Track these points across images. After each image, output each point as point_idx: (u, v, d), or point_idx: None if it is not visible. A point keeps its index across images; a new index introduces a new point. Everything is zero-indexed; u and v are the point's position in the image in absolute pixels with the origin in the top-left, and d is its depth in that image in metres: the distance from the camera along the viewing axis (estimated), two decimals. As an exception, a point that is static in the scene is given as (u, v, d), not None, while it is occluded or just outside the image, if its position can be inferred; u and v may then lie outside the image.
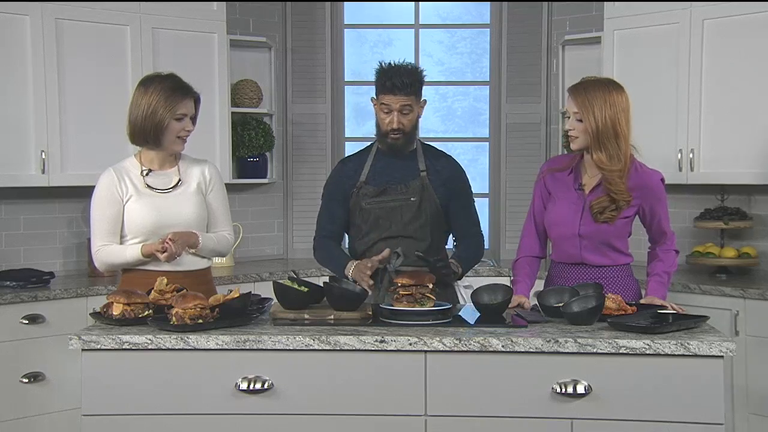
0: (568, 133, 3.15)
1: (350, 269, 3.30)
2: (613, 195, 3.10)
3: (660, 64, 4.62)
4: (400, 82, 3.25)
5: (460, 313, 2.95)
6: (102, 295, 4.14)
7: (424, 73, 3.36)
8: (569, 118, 3.15)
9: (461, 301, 3.45)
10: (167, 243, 3.07)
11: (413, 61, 3.41)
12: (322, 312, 2.92)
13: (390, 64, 3.32)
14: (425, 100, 3.40)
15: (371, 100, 3.40)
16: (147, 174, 3.22)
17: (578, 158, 3.24)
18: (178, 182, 3.25)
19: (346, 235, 3.55)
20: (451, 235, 3.52)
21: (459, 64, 5.89)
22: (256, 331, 2.74)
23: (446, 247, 3.51)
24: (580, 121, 3.09)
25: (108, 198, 3.18)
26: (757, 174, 4.36)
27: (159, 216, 3.17)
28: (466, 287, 3.47)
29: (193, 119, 3.23)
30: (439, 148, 3.53)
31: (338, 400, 2.70)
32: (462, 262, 3.39)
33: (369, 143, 3.53)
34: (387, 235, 3.35)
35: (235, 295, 2.84)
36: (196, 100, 3.23)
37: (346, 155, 3.57)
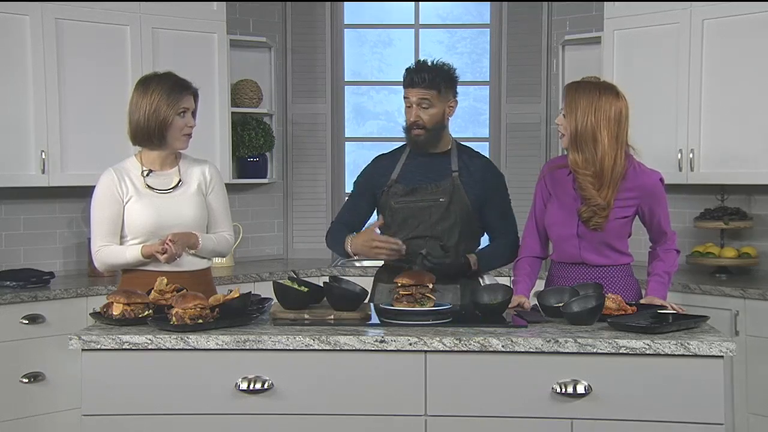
0: (558, 129, 3.17)
1: (349, 242, 3.31)
2: (584, 200, 3.09)
3: (660, 64, 4.62)
4: (418, 77, 3.30)
5: (451, 320, 2.92)
6: (102, 295, 4.14)
7: (455, 72, 3.40)
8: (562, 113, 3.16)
9: None
10: (167, 244, 3.07)
11: (450, 63, 3.44)
12: (322, 312, 2.92)
13: (418, 61, 3.39)
14: (455, 100, 3.40)
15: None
16: (147, 174, 3.22)
17: (578, 158, 3.24)
18: (178, 183, 3.25)
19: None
20: (487, 235, 3.52)
21: (459, 64, 5.83)
22: (256, 331, 2.74)
23: (479, 247, 3.49)
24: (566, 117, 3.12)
25: (108, 198, 3.18)
26: (757, 174, 4.36)
27: (159, 216, 3.17)
28: None
29: (194, 114, 3.24)
30: (476, 150, 3.52)
31: (338, 400, 2.70)
32: (480, 258, 3.38)
33: (403, 143, 3.52)
34: (414, 235, 3.35)
35: (235, 295, 2.84)
36: (195, 95, 3.24)
37: (381, 153, 3.57)
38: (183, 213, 3.22)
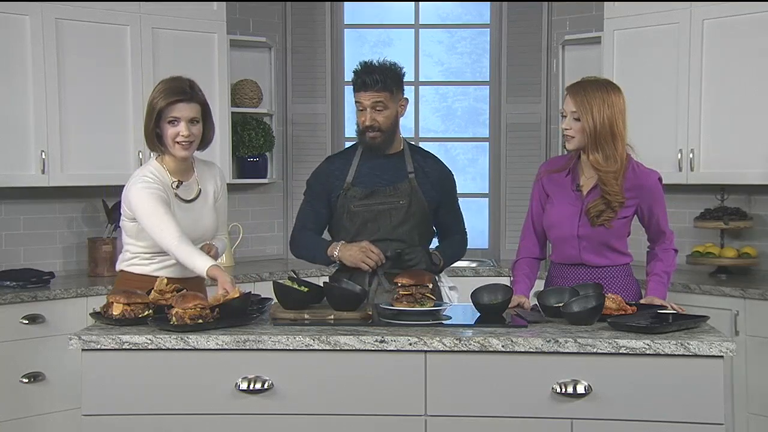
0: (565, 133, 3.15)
1: (338, 248, 3.27)
2: (607, 196, 3.10)
3: (660, 64, 4.62)
4: (370, 79, 3.25)
5: (451, 320, 2.91)
6: (102, 295, 4.14)
7: (403, 70, 3.35)
8: (565, 117, 3.14)
9: (447, 302, 3.40)
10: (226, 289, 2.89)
11: (396, 60, 3.37)
12: (322, 312, 2.92)
13: (364, 62, 3.33)
14: (406, 99, 3.37)
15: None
16: (177, 186, 3.16)
17: (575, 159, 3.24)
18: (198, 192, 3.22)
19: (328, 235, 3.49)
20: (435, 233, 3.52)
21: (459, 64, 5.89)
22: (256, 331, 2.74)
23: (430, 246, 3.49)
24: (578, 120, 3.09)
25: (162, 197, 3.05)
26: (757, 174, 4.36)
27: (183, 228, 3.06)
28: (451, 288, 3.45)
29: (197, 123, 3.12)
30: (426, 149, 3.53)
31: (338, 400, 2.70)
32: (444, 256, 3.40)
33: (355, 143, 3.49)
34: (375, 239, 3.32)
35: (236, 295, 2.84)
36: (200, 103, 3.13)
37: (332, 154, 3.52)
38: (204, 223, 3.20)
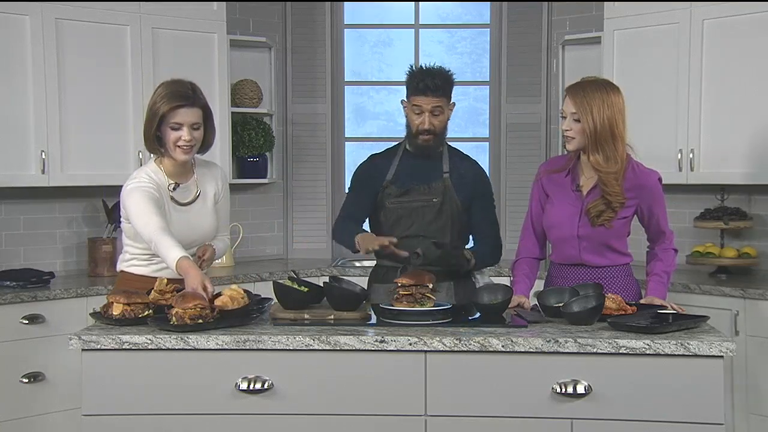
0: (565, 134, 3.15)
1: (358, 237, 3.34)
2: (607, 197, 3.10)
3: (660, 64, 4.62)
4: (432, 83, 3.33)
5: (451, 320, 2.91)
6: (102, 295, 4.14)
7: (454, 76, 3.43)
8: (565, 118, 3.14)
9: None
10: (208, 293, 2.84)
11: (442, 65, 3.45)
12: (322, 312, 2.92)
13: (421, 66, 3.41)
14: (454, 103, 3.47)
15: (402, 102, 3.47)
16: (174, 189, 3.15)
17: (575, 159, 3.24)
18: (197, 195, 3.21)
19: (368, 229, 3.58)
20: (471, 236, 3.57)
21: (459, 64, 5.88)
22: (256, 331, 2.74)
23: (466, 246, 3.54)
24: (578, 121, 3.09)
25: (153, 196, 3.04)
26: (757, 174, 4.36)
27: (179, 231, 3.07)
28: None
29: (199, 127, 3.09)
30: (465, 152, 3.60)
31: (338, 400, 2.70)
32: (476, 255, 3.43)
33: (397, 143, 3.60)
34: (408, 234, 3.40)
35: (242, 294, 2.83)
36: (202, 107, 3.10)
37: (375, 152, 3.65)
38: (202, 226, 3.20)
